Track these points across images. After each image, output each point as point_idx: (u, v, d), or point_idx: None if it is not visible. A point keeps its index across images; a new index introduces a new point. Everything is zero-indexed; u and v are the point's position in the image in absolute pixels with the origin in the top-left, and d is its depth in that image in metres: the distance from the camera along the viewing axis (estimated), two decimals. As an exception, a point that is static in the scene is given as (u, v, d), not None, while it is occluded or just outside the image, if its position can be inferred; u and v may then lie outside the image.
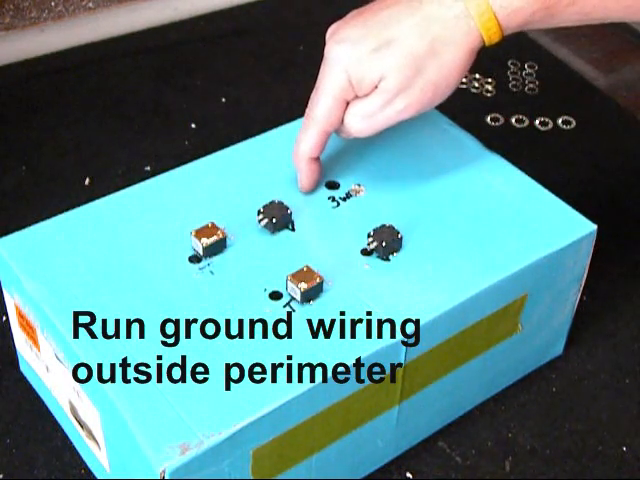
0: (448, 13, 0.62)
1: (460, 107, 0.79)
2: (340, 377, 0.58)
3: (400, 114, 0.64)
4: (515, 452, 0.69)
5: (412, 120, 0.66)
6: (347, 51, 0.63)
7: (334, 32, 0.65)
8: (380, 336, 0.60)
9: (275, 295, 0.62)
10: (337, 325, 0.60)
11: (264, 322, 0.60)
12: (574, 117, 0.99)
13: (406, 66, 0.62)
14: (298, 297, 0.61)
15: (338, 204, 0.68)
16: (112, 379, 0.56)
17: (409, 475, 0.67)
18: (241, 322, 0.60)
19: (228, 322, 0.60)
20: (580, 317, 0.75)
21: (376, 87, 0.63)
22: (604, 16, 0.63)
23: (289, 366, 0.58)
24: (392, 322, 0.60)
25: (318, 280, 0.61)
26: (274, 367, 0.57)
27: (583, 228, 0.68)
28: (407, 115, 0.64)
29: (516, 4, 0.62)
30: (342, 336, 0.59)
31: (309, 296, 0.61)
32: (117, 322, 0.60)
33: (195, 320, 0.60)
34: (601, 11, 0.63)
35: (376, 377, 0.60)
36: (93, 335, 0.59)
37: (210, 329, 0.59)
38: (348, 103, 0.65)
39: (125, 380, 0.56)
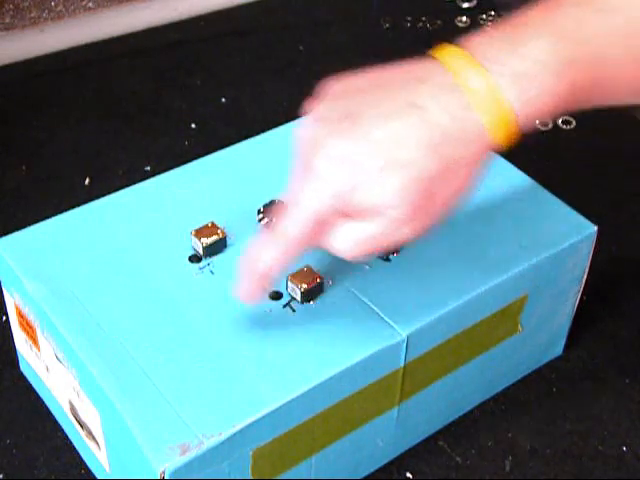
0: (462, 128, 0.52)
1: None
2: (340, 377, 0.58)
3: (405, 239, 0.54)
4: (515, 452, 0.69)
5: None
6: (343, 174, 0.52)
7: (321, 142, 0.53)
8: (380, 336, 0.60)
9: (275, 295, 0.62)
10: (337, 325, 0.60)
11: (264, 322, 0.60)
12: (574, 117, 0.99)
13: (419, 192, 0.52)
14: (298, 297, 0.61)
15: (338, 204, 0.68)
16: (112, 379, 0.56)
17: (409, 475, 0.67)
18: (241, 322, 0.60)
19: (228, 322, 0.60)
20: (580, 317, 0.75)
21: (377, 212, 0.53)
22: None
23: (289, 366, 0.58)
24: (392, 322, 0.60)
25: (318, 280, 0.61)
26: (274, 367, 0.57)
27: (583, 229, 0.68)
28: (411, 238, 0.54)
29: (541, 102, 0.52)
30: (342, 336, 0.59)
31: (309, 296, 0.61)
32: (117, 322, 0.60)
33: (195, 320, 0.60)
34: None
35: (376, 377, 0.60)
36: (93, 335, 0.59)
37: (210, 329, 0.59)
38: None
39: (125, 380, 0.56)
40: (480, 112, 0.52)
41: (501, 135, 0.52)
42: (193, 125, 0.97)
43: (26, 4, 1.03)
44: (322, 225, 0.54)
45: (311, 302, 0.61)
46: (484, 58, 0.52)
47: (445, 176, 0.52)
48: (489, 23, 1.12)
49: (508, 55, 0.52)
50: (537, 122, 0.54)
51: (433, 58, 0.54)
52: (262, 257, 0.55)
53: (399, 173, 0.51)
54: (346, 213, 0.53)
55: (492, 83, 0.51)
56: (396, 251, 0.65)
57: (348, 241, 0.54)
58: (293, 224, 0.54)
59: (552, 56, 0.52)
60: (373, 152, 0.52)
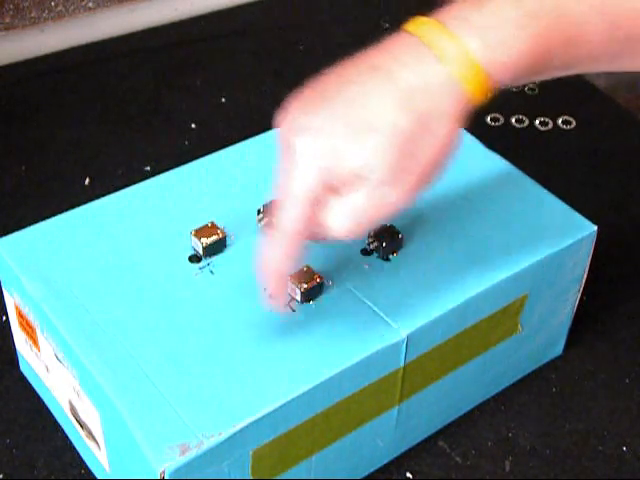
0: (432, 83, 0.52)
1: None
2: (340, 377, 0.58)
3: (394, 205, 0.53)
4: (515, 452, 0.69)
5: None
6: (317, 143, 0.52)
7: (293, 120, 0.54)
8: (380, 336, 0.60)
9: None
10: (337, 325, 0.60)
11: (264, 322, 0.60)
12: (574, 117, 0.99)
13: (396, 151, 0.51)
14: (298, 297, 0.61)
15: (338, 204, 0.68)
16: (112, 379, 0.56)
17: (409, 475, 0.67)
18: (241, 322, 0.60)
19: (228, 322, 0.60)
20: (580, 317, 0.75)
21: (361, 179, 0.52)
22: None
23: (289, 366, 0.58)
24: (392, 322, 0.60)
25: (318, 280, 0.61)
26: (274, 367, 0.57)
27: (583, 229, 0.68)
28: (403, 204, 0.53)
29: (506, 54, 0.52)
30: (342, 336, 0.59)
31: (309, 296, 0.61)
32: (117, 322, 0.60)
33: (195, 320, 0.60)
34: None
35: (376, 377, 0.60)
36: (93, 335, 0.59)
37: (210, 329, 0.59)
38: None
39: (125, 380, 0.56)
40: (446, 64, 0.52)
41: (471, 86, 0.52)
42: (193, 125, 0.97)
43: (26, 4, 1.03)
44: (316, 206, 0.53)
45: (311, 302, 0.61)
46: (449, 17, 0.53)
47: (422, 133, 0.52)
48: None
49: (472, 12, 0.53)
50: (509, 80, 0.54)
51: (400, 31, 0.55)
52: (270, 258, 0.55)
53: (373, 134, 0.52)
54: (334, 189, 0.53)
55: (456, 35, 0.52)
56: (396, 251, 0.65)
57: (340, 217, 0.54)
58: (288, 213, 0.54)
59: (515, 10, 0.53)
60: (345, 119, 0.52)
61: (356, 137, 0.52)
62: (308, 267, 0.62)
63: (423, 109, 0.52)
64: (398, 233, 0.64)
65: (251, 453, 0.56)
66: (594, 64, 0.57)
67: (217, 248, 0.64)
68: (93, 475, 0.66)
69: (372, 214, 0.54)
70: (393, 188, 0.53)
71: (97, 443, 0.62)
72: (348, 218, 0.54)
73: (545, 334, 0.72)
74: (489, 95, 0.54)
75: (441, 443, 0.69)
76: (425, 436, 0.69)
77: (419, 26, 0.54)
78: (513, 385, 0.73)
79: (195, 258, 0.64)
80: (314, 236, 0.56)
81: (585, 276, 0.71)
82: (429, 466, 0.67)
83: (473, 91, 0.53)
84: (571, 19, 0.53)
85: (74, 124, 0.96)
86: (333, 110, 0.53)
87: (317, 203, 0.54)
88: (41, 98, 0.99)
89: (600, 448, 0.69)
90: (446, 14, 0.54)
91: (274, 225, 0.55)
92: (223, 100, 1.00)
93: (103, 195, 0.69)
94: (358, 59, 0.55)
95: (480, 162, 0.72)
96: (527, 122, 0.98)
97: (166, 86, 1.02)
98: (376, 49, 0.55)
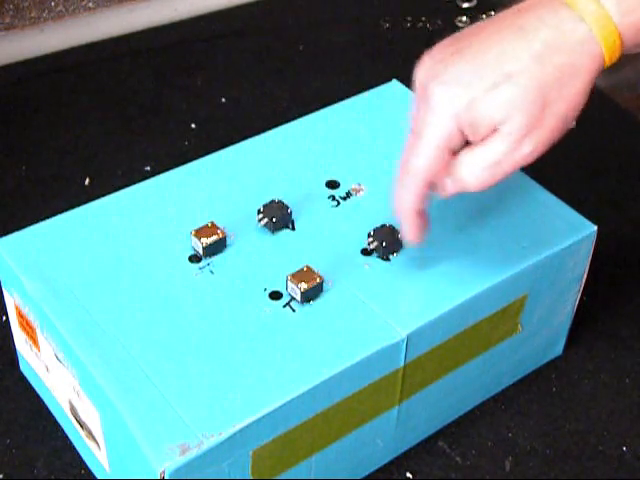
0: (570, 39, 0.54)
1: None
2: (340, 377, 0.58)
3: (527, 158, 0.55)
4: (515, 452, 0.69)
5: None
6: (457, 94, 0.54)
7: (430, 68, 0.56)
8: (380, 336, 0.60)
9: (275, 295, 0.62)
10: (337, 325, 0.60)
11: (264, 322, 0.60)
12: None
13: (533, 102, 0.54)
14: (298, 297, 0.61)
15: (338, 203, 0.68)
16: (112, 379, 0.56)
17: (409, 475, 0.67)
18: (241, 322, 0.60)
19: (228, 322, 0.60)
20: (580, 317, 0.75)
21: (496, 130, 0.54)
22: None
23: (289, 366, 0.58)
24: (392, 322, 0.60)
25: (318, 280, 0.61)
26: (274, 367, 0.57)
27: (583, 229, 0.68)
28: (534, 158, 0.56)
29: (638, 19, 0.54)
30: (342, 336, 0.59)
31: (309, 296, 0.61)
32: (117, 322, 0.60)
33: (195, 320, 0.60)
34: None
35: (376, 377, 0.60)
36: (93, 335, 0.59)
37: (210, 329, 0.59)
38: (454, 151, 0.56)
39: (125, 380, 0.56)
40: (585, 22, 0.54)
41: (606, 47, 0.54)
42: (193, 125, 0.97)
43: (26, 4, 1.03)
44: (446, 154, 0.56)
45: (311, 302, 0.61)
46: None
47: (557, 86, 0.54)
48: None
49: None
50: (633, 46, 0.56)
51: None
52: (402, 197, 0.58)
53: (510, 85, 0.53)
54: (467, 139, 0.55)
55: None
56: (396, 251, 0.65)
57: (474, 169, 0.55)
58: (418, 156, 0.56)
59: None
60: (482, 69, 0.54)
61: (494, 89, 0.54)
62: (308, 267, 0.62)
63: (560, 63, 0.54)
64: (398, 233, 0.64)
65: (251, 453, 0.56)
66: None
67: (217, 248, 0.64)
68: (93, 475, 0.66)
69: (507, 166, 0.55)
70: (528, 140, 0.54)
71: (97, 443, 0.62)
72: (483, 170, 0.55)
73: (545, 334, 0.72)
74: (617, 58, 0.56)
75: (441, 443, 0.69)
76: (425, 436, 0.69)
77: None
78: (513, 385, 0.73)
79: (195, 258, 0.64)
80: (442, 185, 0.58)
81: (585, 276, 0.71)
82: (429, 466, 0.67)
83: (607, 51, 0.54)
84: None
85: (74, 124, 0.96)
86: (472, 62, 0.55)
87: (448, 152, 0.56)
88: (41, 98, 0.99)
89: (600, 448, 0.69)
90: None
91: (402, 163, 0.58)
92: (223, 100, 1.00)
93: (103, 195, 0.69)
94: (498, 17, 0.57)
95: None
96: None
97: (166, 86, 1.02)
98: (516, 8, 0.56)
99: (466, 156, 0.56)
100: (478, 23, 0.57)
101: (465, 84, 0.54)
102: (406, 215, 0.59)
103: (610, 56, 0.55)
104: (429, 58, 0.57)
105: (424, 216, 0.60)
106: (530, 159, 0.55)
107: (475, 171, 0.56)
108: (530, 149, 0.55)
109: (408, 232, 0.60)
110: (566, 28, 0.54)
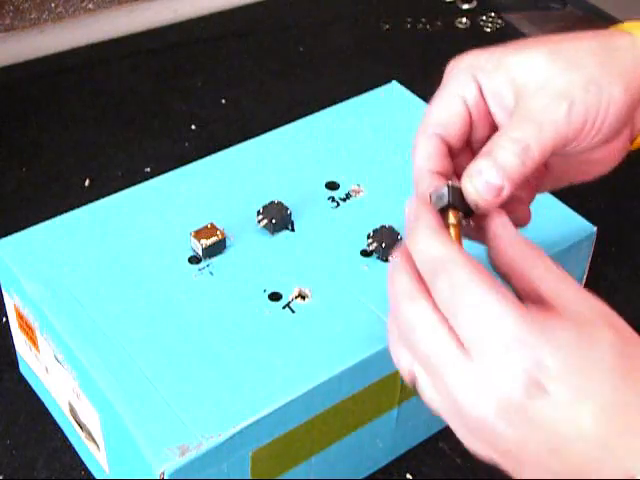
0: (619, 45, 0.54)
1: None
2: (340, 377, 0.58)
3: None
4: (515, 453, 0.68)
5: (412, 120, 0.66)
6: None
7: (461, 59, 0.54)
8: (380, 336, 0.59)
9: (274, 296, 0.62)
10: (336, 326, 0.60)
11: (263, 323, 0.60)
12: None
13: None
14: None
15: (338, 205, 0.68)
16: (111, 381, 0.56)
17: (409, 476, 0.67)
18: (240, 323, 0.60)
19: (227, 323, 0.60)
20: (580, 318, 0.74)
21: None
22: None
23: (289, 367, 0.57)
24: (392, 323, 0.60)
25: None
26: (274, 368, 0.57)
27: (583, 229, 0.68)
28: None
29: None
30: (342, 336, 0.59)
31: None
32: (117, 323, 0.60)
33: (194, 321, 0.60)
34: None
35: (376, 377, 0.60)
36: (92, 337, 0.59)
37: (209, 330, 0.59)
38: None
39: (124, 381, 0.56)
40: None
41: None
42: (193, 126, 0.97)
43: (26, 5, 1.03)
44: (462, 104, 0.53)
45: (311, 302, 0.61)
46: None
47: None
48: (489, 24, 1.12)
49: None
50: None
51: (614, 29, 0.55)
52: (417, 154, 0.53)
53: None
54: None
55: None
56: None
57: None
58: (434, 104, 0.53)
59: None
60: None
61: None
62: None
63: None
64: (398, 234, 0.64)
65: (251, 454, 0.56)
66: None
67: (217, 249, 0.64)
68: (93, 476, 0.66)
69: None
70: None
71: (97, 444, 0.62)
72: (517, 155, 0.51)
73: (545, 335, 0.72)
74: None
75: (441, 444, 0.69)
76: (425, 437, 0.69)
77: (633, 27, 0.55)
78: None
79: (195, 259, 0.64)
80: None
81: (585, 277, 0.71)
82: (429, 467, 0.67)
83: None
84: None
85: (74, 125, 0.96)
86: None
87: (463, 104, 0.53)
88: (41, 99, 0.99)
89: (600, 449, 0.69)
90: None
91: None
92: (223, 101, 1.00)
93: (103, 196, 0.69)
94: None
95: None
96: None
97: (166, 87, 1.02)
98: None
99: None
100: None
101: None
102: (417, 174, 0.52)
103: None
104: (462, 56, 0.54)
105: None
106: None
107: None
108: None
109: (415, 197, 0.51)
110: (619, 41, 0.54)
